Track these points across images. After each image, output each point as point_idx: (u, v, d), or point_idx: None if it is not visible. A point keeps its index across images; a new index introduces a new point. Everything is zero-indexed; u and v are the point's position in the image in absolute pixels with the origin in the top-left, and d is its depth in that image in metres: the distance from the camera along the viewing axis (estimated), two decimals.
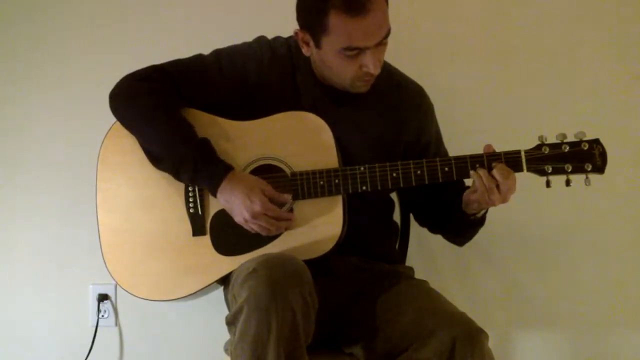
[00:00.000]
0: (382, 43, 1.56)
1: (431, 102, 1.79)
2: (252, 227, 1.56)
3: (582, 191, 1.60)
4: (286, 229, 1.58)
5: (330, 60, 1.58)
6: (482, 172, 1.55)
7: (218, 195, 1.56)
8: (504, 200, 1.55)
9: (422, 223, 1.87)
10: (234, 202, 1.54)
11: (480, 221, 1.67)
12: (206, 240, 1.63)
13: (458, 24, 2.13)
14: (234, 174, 1.57)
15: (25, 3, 2.14)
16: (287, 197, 1.58)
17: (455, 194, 1.65)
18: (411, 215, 1.90)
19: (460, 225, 1.70)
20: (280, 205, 1.57)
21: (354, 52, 1.54)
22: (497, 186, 1.53)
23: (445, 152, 1.81)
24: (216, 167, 1.57)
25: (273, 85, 1.68)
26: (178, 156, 1.57)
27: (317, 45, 1.58)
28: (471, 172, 1.56)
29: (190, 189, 1.64)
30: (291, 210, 1.60)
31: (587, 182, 1.55)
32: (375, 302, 1.61)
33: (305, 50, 1.63)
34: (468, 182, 1.62)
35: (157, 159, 1.62)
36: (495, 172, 1.54)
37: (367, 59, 1.55)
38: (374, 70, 1.56)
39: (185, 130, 1.60)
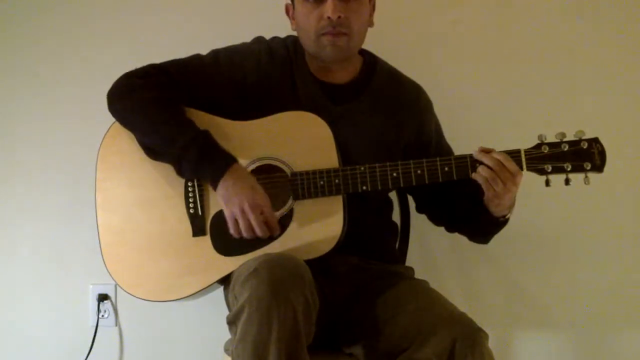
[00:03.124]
0: None
1: (430, 99, 1.79)
2: (242, 221, 1.53)
3: (581, 190, 1.60)
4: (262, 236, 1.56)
5: (300, 15, 1.64)
6: (480, 168, 1.55)
7: (220, 182, 1.53)
8: (510, 187, 1.53)
9: (438, 222, 1.85)
10: (235, 190, 1.52)
11: (506, 220, 1.66)
12: (206, 240, 1.62)
13: (458, 23, 2.13)
14: (239, 166, 1.56)
15: (25, 2, 2.13)
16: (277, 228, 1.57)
17: (471, 190, 1.63)
18: (411, 216, 1.90)
19: (485, 226, 1.69)
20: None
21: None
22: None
23: (448, 146, 1.81)
24: (220, 156, 1.56)
25: (272, 85, 1.68)
26: (181, 145, 1.55)
27: (293, 4, 1.67)
28: (472, 174, 1.56)
29: (190, 189, 1.64)
30: (290, 212, 1.59)
31: (587, 181, 1.55)
32: (375, 302, 1.61)
33: (292, 25, 1.71)
34: None
35: (157, 152, 1.61)
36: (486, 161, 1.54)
37: (327, 5, 1.59)
38: (332, 13, 1.59)
39: (185, 121, 1.59)
